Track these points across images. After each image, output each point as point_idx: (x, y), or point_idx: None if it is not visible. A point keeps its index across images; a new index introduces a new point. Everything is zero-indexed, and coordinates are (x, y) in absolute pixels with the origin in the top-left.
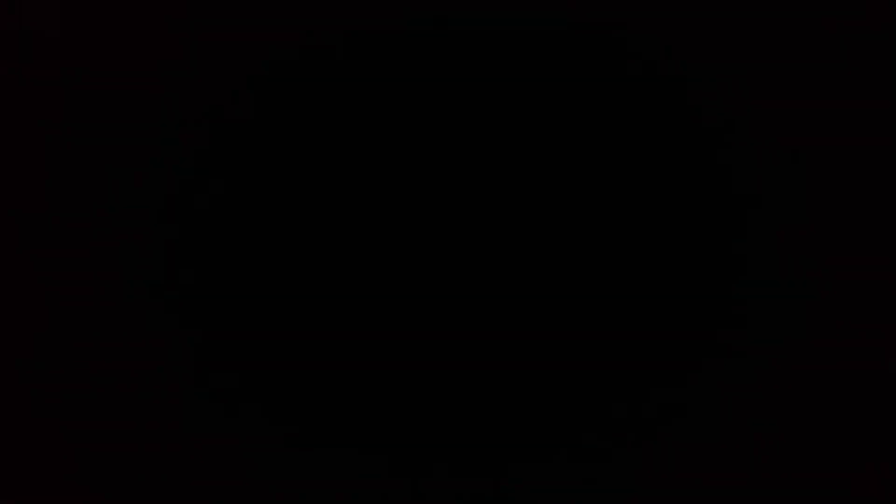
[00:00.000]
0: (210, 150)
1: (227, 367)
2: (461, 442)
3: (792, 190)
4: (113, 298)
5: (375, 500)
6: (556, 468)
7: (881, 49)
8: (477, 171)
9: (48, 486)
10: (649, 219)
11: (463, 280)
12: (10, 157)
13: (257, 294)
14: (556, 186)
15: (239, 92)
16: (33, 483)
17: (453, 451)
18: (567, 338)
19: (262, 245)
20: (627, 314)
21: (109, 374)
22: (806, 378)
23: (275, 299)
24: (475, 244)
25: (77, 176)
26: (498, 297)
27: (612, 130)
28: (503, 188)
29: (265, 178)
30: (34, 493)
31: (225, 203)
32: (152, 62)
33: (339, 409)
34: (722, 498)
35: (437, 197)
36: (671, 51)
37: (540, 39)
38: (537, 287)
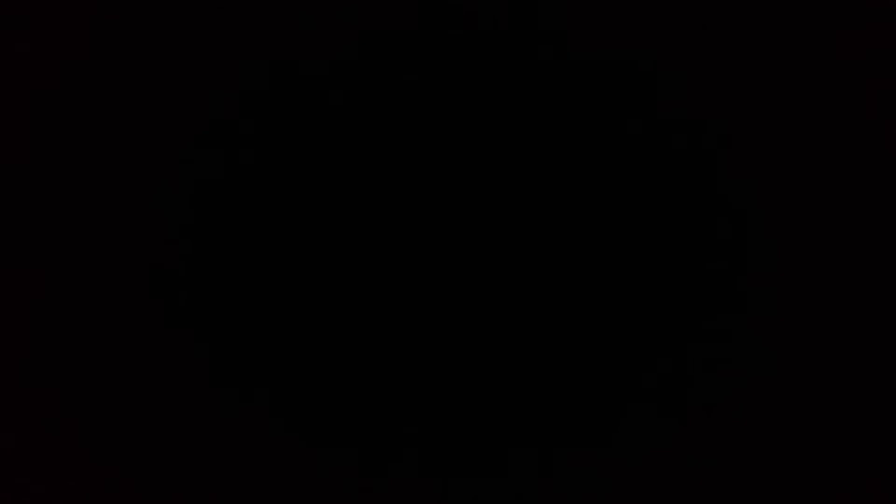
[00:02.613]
0: (210, 150)
1: (228, 368)
2: (461, 444)
3: (792, 191)
4: (113, 298)
5: (376, 500)
6: (556, 470)
7: (881, 55)
8: (478, 173)
9: (48, 486)
10: (648, 220)
11: (466, 282)
12: (10, 157)
13: (258, 295)
14: (557, 189)
15: (239, 92)
16: (33, 483)
17: (454, 452)
18: (564, 341)
19: (262, 245)
20: (628, 316)
21: (108, 374)
22: (805, 381)
23: (275, 300)
24: (478, 246)
25: (77, 176)
26: (501, 300)
27: (612, 133)
28: (507, 190)
29: (265, 178)
30: (34, 494)
31: (225, 202)
32: (152, 62)
33: (342, 410)
34: (723, 500)
35: (436, 198)
36: (671, 55)
37: (540, 41)
38: (538, 291)
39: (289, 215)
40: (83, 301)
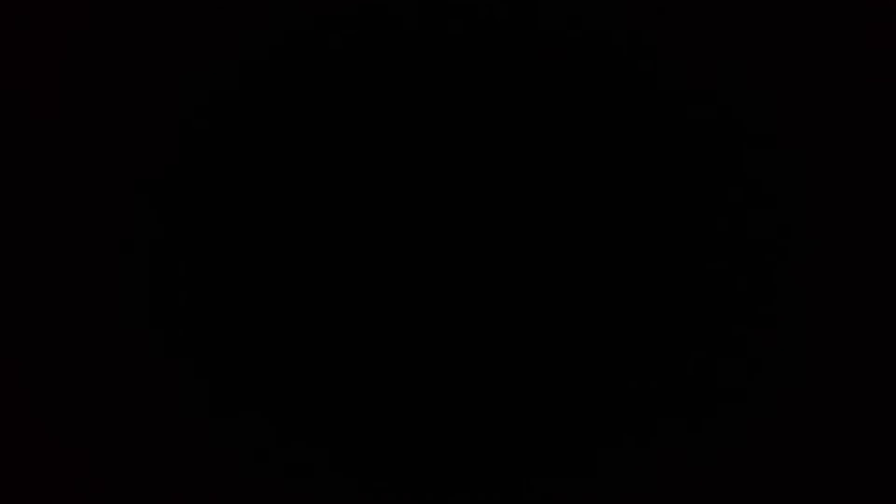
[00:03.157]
0: (210, 150)
1: (228, 369)
2: (461, 448)
3: (793, 191)
4: (111, 298)
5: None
6: (556, 476)
7: (882, 55)
8: (478, 172)
9: (48, 486)
10: (650, 222)
11: (466, 284)
12: (9, 157)
13: (257, 295)
14: (558, 188)
15: (238, 92)
16: (34, 483)
17: (453, 457)
18: (565, 343)
19: (262, 246)
20: (629, 319)
21: (108, 374)
22: (813, 388)
23: (274, 301)
24: (477, 246)
25: (77, 176)
26: (501, 302)
27: (612, 133)
28: (506, 191)
29: (264, 178)
30: (35, 494)
31: (225, 202)
32: (149, 63)
33: (341, 412)
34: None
35: (436, 199)
36: (672, 54)
37: (540, 41)
38: (538, 292)
39: (288, 216)
40: (82, 301)
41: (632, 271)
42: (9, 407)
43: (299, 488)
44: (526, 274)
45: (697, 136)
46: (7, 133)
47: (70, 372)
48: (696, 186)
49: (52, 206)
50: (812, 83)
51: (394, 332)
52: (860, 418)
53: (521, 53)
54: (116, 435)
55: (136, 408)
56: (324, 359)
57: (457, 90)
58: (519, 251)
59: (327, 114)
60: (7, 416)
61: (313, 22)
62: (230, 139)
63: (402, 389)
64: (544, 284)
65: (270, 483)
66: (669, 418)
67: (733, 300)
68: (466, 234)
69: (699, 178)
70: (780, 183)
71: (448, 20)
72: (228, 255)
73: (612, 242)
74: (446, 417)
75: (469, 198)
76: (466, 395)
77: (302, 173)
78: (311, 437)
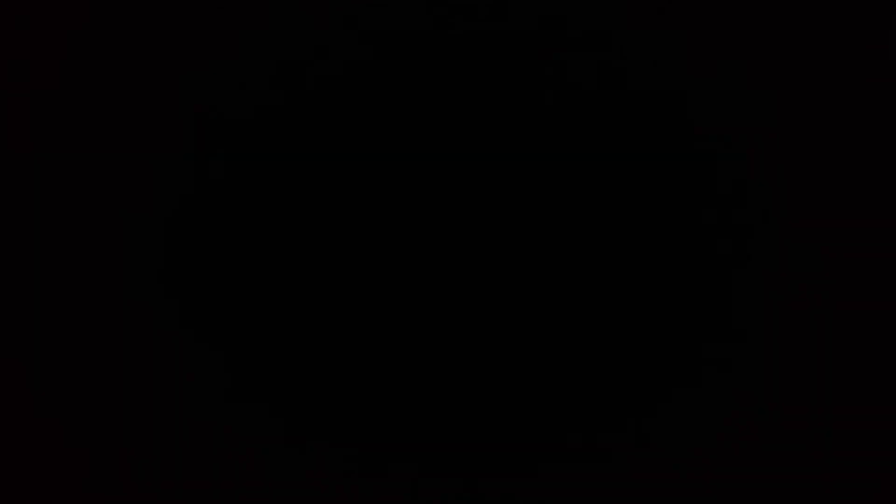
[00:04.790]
0: (210, 151)
1: (228, 368)
2: (462, 444)
3: (796, 192)
4: (111, 298)
5: (376, 500)
6: (555, 470)
7: (881, 57)
8: (483, 174)
9: (48, 486)
10: (649, 221)
11: (468, 282)
12: (10, 157)
13: (258, 294)
14: (557, 190)
15: (239, 92)
16: (33, 483)
17: (454, 452)
18: (565, 341)
19: (264, 244)
20: (627, 319)
21: (108, 373)
22: (808, 382)
23: (275, 300)
24: (480, 247)
25: (77, 176)
26: (501, 301)
27: (615, 136)
28: (511, 191)
29: (265, 178)
30: (34, 494)
31: (225, 202)
32: (154, 62)
33: (342, 410)
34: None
35: (436, 200)
36: (671, 59)
37: (539, 41)
38: (536, 291)
39: (294, 216)
40: (82, 300)
41: (631, 269)
42: (11, 407)
43: (300, 488)
44: (527, 274)
45: (698, 136)
46: (7, 133)
47: (73, 372)
48: (697, 185)
49: (53, 205)
50: (812, 83)
51: (400, 325)
52: (861, 418)
53: (521, 53)
54: (119, 434)
55: (138, 408)
56: (326, 357)
57: (456, 90)
58: (520, 252)
59: (328, 114)
60: (10, 416)
61: (314, 22)
62: (230, 138)
63: (406, 381)
64: (546, 284)
65: (272, 482)
66: (667, 416)
67: (732, 299)
68: (470, 231)
69: (700, 177)
70: (782, 183)
71: (448, 20)
72: (230, 254)
73: (611, 241)
74: (444, 418)
75: (471, 195)
76: (468, 393)
77: (305, 174)
78: (313, 437)
